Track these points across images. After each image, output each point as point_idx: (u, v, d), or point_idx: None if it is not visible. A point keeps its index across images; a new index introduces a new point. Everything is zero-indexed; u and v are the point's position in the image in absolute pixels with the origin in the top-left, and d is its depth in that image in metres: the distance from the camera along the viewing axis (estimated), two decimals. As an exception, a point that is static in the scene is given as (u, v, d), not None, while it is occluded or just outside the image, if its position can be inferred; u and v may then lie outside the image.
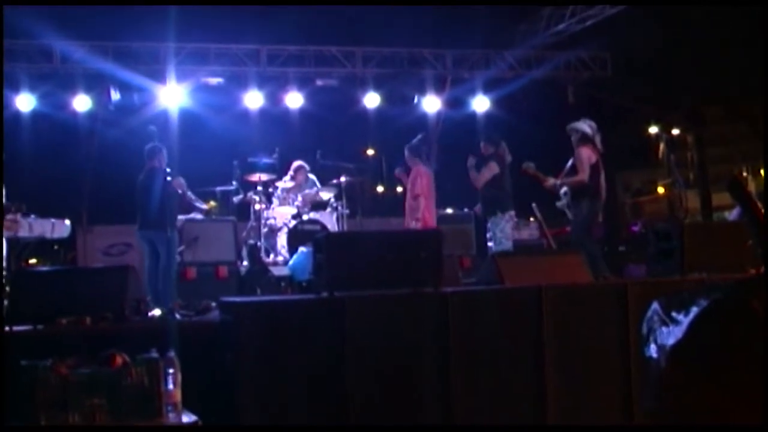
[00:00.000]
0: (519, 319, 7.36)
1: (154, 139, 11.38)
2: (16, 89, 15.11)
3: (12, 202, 10.05)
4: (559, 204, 11.37)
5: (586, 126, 11.30)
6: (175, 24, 13.73)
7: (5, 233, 9.87)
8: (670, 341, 3.59)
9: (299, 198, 13.58)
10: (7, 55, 14.87)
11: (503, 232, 11.64)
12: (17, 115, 15.29)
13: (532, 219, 14.66)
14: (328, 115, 16.81)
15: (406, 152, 12.90)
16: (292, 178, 13.76)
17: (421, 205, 12.45)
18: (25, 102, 15.17)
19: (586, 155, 11.07)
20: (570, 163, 11.26)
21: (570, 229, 11.63)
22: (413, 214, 12.48)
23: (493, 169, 11.85)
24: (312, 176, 14.03)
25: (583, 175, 10.99)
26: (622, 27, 15.30)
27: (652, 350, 3.70)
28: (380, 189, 13.36)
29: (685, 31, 15.30)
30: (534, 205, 13.39)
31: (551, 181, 11.34)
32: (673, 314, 3.64)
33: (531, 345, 7.31)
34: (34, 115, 15.35)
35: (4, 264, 9.92)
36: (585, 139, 11.22)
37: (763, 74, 13.36)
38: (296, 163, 13.90)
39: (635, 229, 21.04)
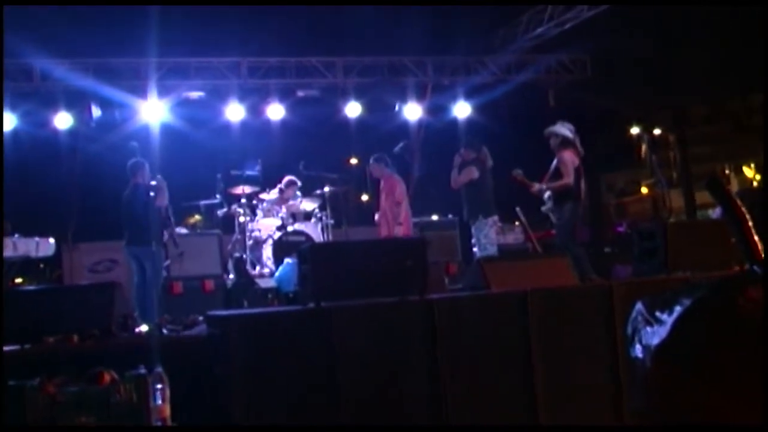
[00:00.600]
0: (506, 323, 7.36)
1: (136, 155, 11.36)
2: (-5, 108, 15.08)
3: (-3, 222, 10.02)
4: (544, 208, 11.41)
5: (566, 129, 11.37)
6: (156, 39, 13.72)
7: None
8: (655, 341, 3.60)
9: (283, 209, 13.59)
10: (-13, 74, 14.88)
11: (487, 237, 11.69)
12: (-3, 134, 15.26)
13: (516, 223, 14.68)
14: (310, 126, 16.80)
15: (372, 163, 13.02)
16: (281, 192, 13.74)
17: (403, 211, 12.59)
18: (6, 121, 15.11)
19: (570, 159, 11.16)
20: (553, 167, 11.31)
21: (554, 232, 11.66)
22: (396, 220, 12.57)
23: (471, 173, 11.93)
24: (299, 193, 14.04)
25: (568, 179, 11.06)
26: (601, 29, 15.34)
27: (638, 350, 3.70)
28: (365, 198, 13.37)
29: (665, 31, 15.36)
30: (518, 209, 13.41)
31: (537, 186, 11.39)
32: (657, 314, 3.65)
33: (519, 349, 7.31)
34: (15, 133, 15.28)
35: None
36: (567, 142, 11.29)
37: (762, 73, 13.41)
38: (287, 178, 13.87)
39: (620, 229, 21.09)
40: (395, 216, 12.62)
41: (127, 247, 11.42)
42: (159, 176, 11.36)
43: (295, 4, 13.51)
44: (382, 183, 13.11)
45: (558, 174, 11.20)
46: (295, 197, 13.84)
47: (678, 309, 3.59)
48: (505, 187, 12.15)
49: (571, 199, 11.11)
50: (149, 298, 10.95)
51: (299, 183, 13.88)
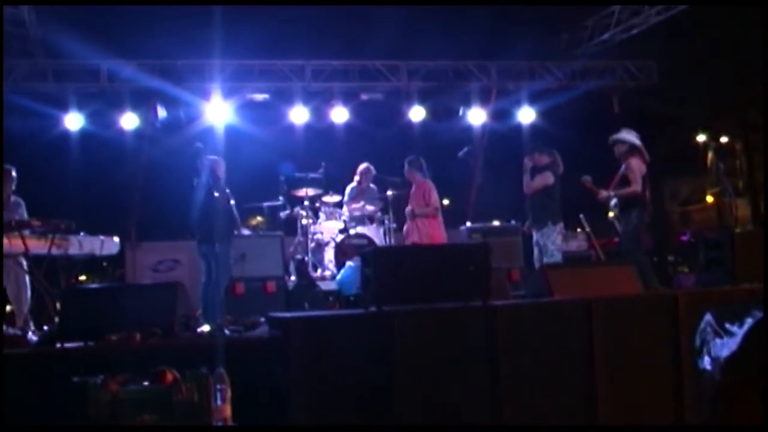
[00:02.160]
0: (569, 332, 7.29)
1: (201, 156, 11.40)
2: (65, 108, 15.32)
3: (61, 220, 10.13)
4: (611, 216, 11.29)
5: (633, 136, 11.27)
6: (220, 41, 13.81)
7: (56, 251, 9.97)
8: (724, 353, 3.55)
9: (345, 212, 13.60)
10: (56, 76, 15.17)
11: (555, 243, 11.54)
12: (66, 134, 15.50)
13: (579, 230, 14.55)
14: (373, 129, 16.79)
15: (406, 166, 12.93)
16: (359, 183, 13.71)
17: (439, 218, 12.53)
18: (73, 121, 15.36)
19: (638, 166, 11.06)
20: (620, 174, 11.19)
21: (619, 240, 11.53)
22: (426, 230, 12.52)
23: (547, 179, 11.74)
24: (373, 185, 14.03)
25: (636, 186, 10.95)
26: (668, 35, 15.17)
27: (706, 362, 3.66)
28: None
29: (732, 36, 15.15)
30: (581, 216, 13.30)
31: (604, 193, 11.26)
32: (727, 326, 3.60)
33: (581, 358, 7.23)
34: (83, 133, 15.54)
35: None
36: (634, 149, 11.19)
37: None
38: (362, 166, 13.85)
39: (684, 238, 20.86)
40: (428, 223, 12.58)
41: (198, 246, 11.48)
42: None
43: (358, 4, 13.51)
44: (413, 188, 12.98)
45: (625, 181, 11.07)
46: (370, 191, 13.81)
47: (749, 321, 3.53)
48: (568, 194, 12.02)
49: (638, 207, 11.00)
50: (210, 297, 11.02)
51: (374, 170, 13.85)
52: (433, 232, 12.60)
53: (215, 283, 11.08)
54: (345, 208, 13.73)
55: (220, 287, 11.15)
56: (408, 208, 12.85)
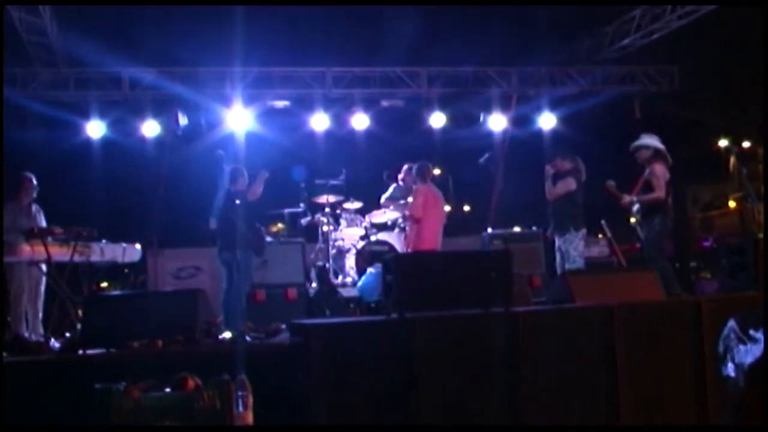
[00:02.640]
0: (591, 338, 7.26)
1: (222, 163, 11.40)
2: (87, 116, 15.41)
3: (84, 227, 10.18)
4: (633, 222, 11.24)
5: (656, 141, 11.22)
6: (241, 48, 13.86)
7: (78, 258, 10.00)
8: (749, 360, 3.52)
9: (366, 219, 13.60)
10: (78, 84, 15.26)
11: (577, 249, 11.48)
12: (88, 142, 15.58)
13: (600, 236, 14.50)
14: (394, 136, 16.79)
15: (414, 171, 12.81)
16: (402, 180, 13.65)
17: (424, 225, 12.34)
18: (95, 129, 15.46)
19: (661, 172, 11.00)
20: (643, 179, 11.12)
21: (641, 246, 11.48)
22: (410, 236, 12.44)
23: (569, 185, 11.67)
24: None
25: (660, 192, 10.89)
26: (689, 39, 15.11)
27: (730, 369, 3.62)
28: (447, 208, 13.33)
29: (754, 40, 15.04)
30: (603, 222, 13.24)
31: (627, 198, 11.18)
32: (751, 332, 3.57)
33: (603, 365, 7.21)
34: (105, 141, 15.61)
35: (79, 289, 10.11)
36: (658, 154, 11.14)
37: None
38: (405, 166, 13.80)
39: (706, 244, 20.74)
40: (412, 230, 12.46)
41: (219, 254, 11.49)
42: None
43: (376, 4, 13.51)
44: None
45: (648, 187, 11.01)
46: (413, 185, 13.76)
47: (773, 327, 3.50)
48: (590, 200, 11.98)
49: (661, 213, 10.93)
50: (232, 304, 11.04)
51: (415, 168, 13.78)
52: (414, 239, 12.46)
53: (237, 290, 11.08)
54: (367, 217, 13.71)
55: (242, 294, 11.16)
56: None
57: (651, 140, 11.26)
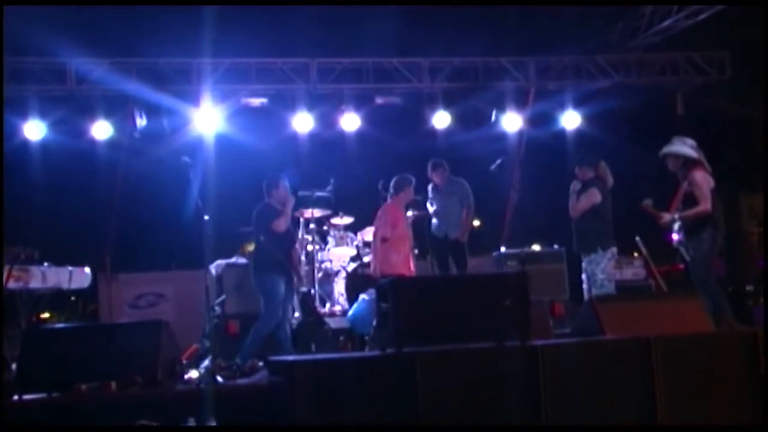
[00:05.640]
0: (625, 377, 7.28)
1: (188, 172, 11.36)
2: (24, 115, 15.11)
3: (22, 248, 10.18)
4: (675, 239, 11.19)
5: (687, 148, 11.12)
6: (210, 36, 13.87)
7: (14, 285, 10.01)
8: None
9: (359, 237, 13.62)
10: (14, 76, 14.91)
11: (605, 272, 11.45)
12: (25, 144, 15.33)
13: (635, 255, 14.52)
14: (390, 139, 16.79)
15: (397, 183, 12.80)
16: (433, 180, 13.62)
17: (390, 243, 12.25)
18: (34, 130, 15.19)
19: (704, 180, 10.88)
20: (684, 191, 11.05)
21: (685, 266, 11.46)
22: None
23: (593, 196, 11.59)
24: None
25: (705, 205, 10.75)
26: (742, 19, 15.06)
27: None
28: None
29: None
30: (638, 238, 13.25)
31: (668, 216, 11.09)
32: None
33: (639, 409, 7.23)
34: (46, 145, 15.40)
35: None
36: (692, 162, 11.05)
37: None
38: (432, 161, 13.75)
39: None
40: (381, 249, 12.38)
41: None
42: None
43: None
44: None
45: (691, 199, 10.93)
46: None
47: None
48: (620, 213, 11.95)
49: (709, 227, 10.86)
50: (277, 335, 11.16)
51: (446, 164, 13.75)
52: (380, 258, 12.38)
53: (263, 319, 11.17)
54: (359, 234, 13.75)
55: (260, 323, 11.27)
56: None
57: (681, 147, 11.15)
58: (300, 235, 13.55)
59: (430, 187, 13.81)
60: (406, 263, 12.35)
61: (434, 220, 13.70)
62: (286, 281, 11.40)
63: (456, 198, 13.62)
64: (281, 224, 11.46)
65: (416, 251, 13.55)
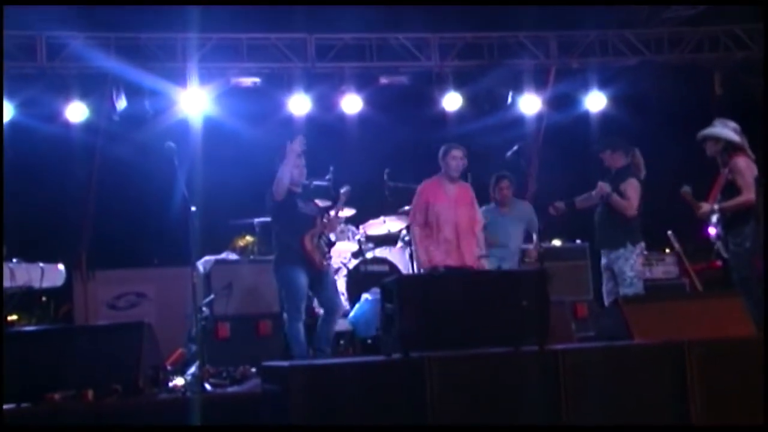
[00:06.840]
0: (656, 385, 7.27)
1: (172, 159, 11.34)
2: (-12, 95, 15.11)
3: (-13, 243, 10.19)
4: (712, 234, 11.10)
5: (729, 131, 11.00)
6: (197, 9, 13.84)
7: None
8: None
9: (361, 230, 13.61)
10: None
11: (634, 269, 11.41)
12: (-10, 128, 15.32)
13: (667, 251, 14.51)
14: (396, 123, 16.79)
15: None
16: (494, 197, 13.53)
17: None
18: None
19: (747, 167, 10.70)
20: (724, 180, 10.93)
21: (724, 263, 11.40)
22: None
23: (636, 187, 11.56)
24: None
25: (749, 194, 10.51)
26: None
27: None
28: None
29: None
30: (670, 233, 13.23)
31: (706, 207, 10.95)
32: None
33: (672, 421, 7.21)
34: (14, 128, 15.28)
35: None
36: (734, 147, 10.94)
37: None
38: (497, 174, 13.62)
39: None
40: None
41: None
42: None
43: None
44: None
45: (733, 189, 10.80)
46: None
47: None
48: (652, 204, 11.92)
49: (753, 220, 10.69)
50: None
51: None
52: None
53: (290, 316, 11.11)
54: (362, 227, 13.74)
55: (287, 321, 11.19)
56: None
57: (723, 129, 11.02)
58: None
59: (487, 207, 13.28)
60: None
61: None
62: (306, 271, 11.14)
63: (524, 225, 13.40)
64: (280, 183, 11.35)
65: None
